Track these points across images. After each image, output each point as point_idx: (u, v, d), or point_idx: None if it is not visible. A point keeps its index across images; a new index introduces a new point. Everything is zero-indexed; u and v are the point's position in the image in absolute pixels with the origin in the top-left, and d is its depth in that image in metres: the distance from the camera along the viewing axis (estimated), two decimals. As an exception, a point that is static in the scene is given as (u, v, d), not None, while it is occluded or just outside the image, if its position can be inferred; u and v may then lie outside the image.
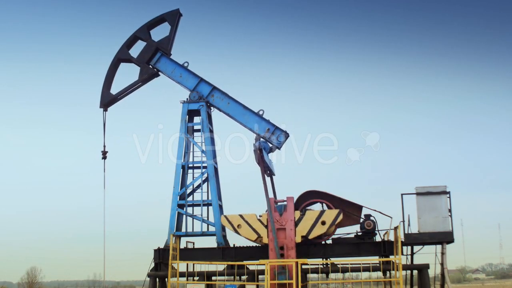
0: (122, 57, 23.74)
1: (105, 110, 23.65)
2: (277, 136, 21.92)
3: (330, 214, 20.27)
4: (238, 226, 20.57)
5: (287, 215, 20.25)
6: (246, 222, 20.55)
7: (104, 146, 23.62)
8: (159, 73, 23.64)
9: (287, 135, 21.93)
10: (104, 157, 23.55)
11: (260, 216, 20.66)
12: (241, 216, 20.63)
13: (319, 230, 20.22)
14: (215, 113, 23.67)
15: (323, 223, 20.24)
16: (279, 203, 20.63)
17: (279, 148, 21.90)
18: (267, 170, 21.33)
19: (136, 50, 23.71)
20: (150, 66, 23.53)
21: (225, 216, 20.90)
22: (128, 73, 23.74)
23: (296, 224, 20.20)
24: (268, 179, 21.47)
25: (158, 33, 23.79)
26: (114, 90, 23.69)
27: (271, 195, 21.11)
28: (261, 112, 22.36)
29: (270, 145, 21.76)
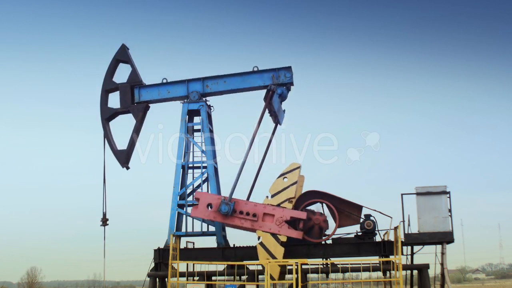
0: (108, 115, 23.31)
1: (128, 167, 23.08)
2: (283, 74, 21.99)
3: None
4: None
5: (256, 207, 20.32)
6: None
7: (104, 214, 22.92)
8: (149, 104, 23.32)
9: (290, 69, 22.00)
10: (104, 224, 22.85)
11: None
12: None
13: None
14: (215, 113, 23.73)
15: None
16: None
17: (292, 84, 21.96)
18: (273, 115, 21.54)
19: (113, 99, 23.53)
20: (137, 104, 23.21)
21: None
22: (122, 122, 23.57)
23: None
24: (272, 125, 22.01)
25: (123, 72, 23.69)
26: (122, 142, 23.33)
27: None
28: (255, 69, 22.41)
29: (285, 87, 21.77)
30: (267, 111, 21.27)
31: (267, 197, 20.65)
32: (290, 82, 22.02)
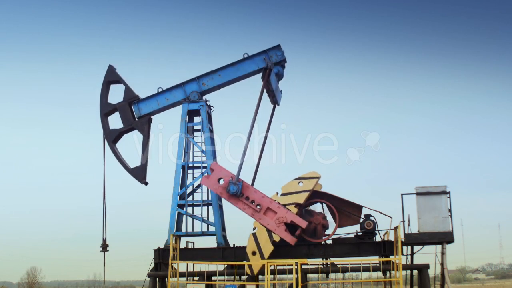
0: (113, 137, 23.14)
1: (146, 183, 22.90)
2: (274, 54, 22.24)
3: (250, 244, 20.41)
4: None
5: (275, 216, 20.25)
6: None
7: (104, 239, 22.69)
8: (151, 116, 23.21)
9: (279, 46, 22.22)
10: (104, 250, 22.63)
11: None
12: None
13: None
14: (215, 113, 23.74)
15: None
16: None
17: (285, 60, 22.23)
18: (271, 94, 21.90)
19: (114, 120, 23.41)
20: (139, 118, 23.07)
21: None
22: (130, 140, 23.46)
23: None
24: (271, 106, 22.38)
25: (116, 91, 23.59)
26: (133, 159, 23.20)
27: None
28: (246, 55, 22.48)
29: (280, 65, 22.10)
30: (265, 94, 21.42)
31: (277, 193, 20.65)
32: (283, 59, 22.26)
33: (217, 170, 20.72)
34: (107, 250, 22.62)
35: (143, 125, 22.99)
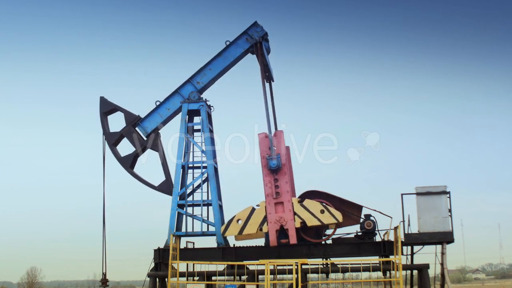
0: (129, 164, 22.96)
1: (169, 192, 22.64)
2: (254, 31, 22.51)
3: (243, 213, 20.57)
4: (238, 220, 20.60)
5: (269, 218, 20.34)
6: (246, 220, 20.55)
7: (104, 274, 22.56)
8: (158, 131, 23.13)
9: (256, 23, 22.45)
10: (105, 286, 22.52)
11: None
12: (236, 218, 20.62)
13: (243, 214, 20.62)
14: (215, 113, 23.75)
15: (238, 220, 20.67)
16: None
17: (266, 34, 22.51)
18: (268, 71, 22.14)
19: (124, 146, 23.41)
20: (147, 136, 23.02)
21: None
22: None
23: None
24: (267, 85, 22.59)
25: (116, 120, 23.63)
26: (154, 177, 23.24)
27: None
28: (227, 43, 22.67)
29: (264, 39, 22.38)
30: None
31: (299, 199, 20.64)
32: (265, 34, 22.49)
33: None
34: (108, 286, 22.63)
35: (152, 140, 22.97)
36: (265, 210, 20.34)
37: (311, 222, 20.22)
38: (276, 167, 20.19)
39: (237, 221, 20.58)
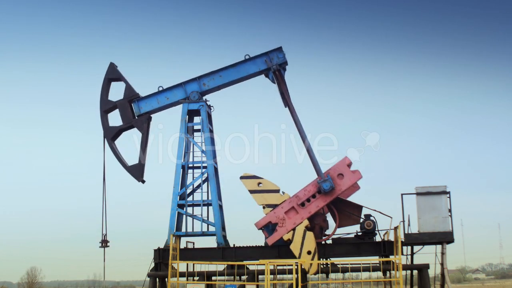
0: (111, 134, 23.12)
1: (143, 181, 22.86)
2: (276, 56, 22.24)
3: (248, 184, 20.88)
4: (308, 252, 20.33)
5: (272, 218, 20.41)
6: (302, 245, 20.31)
7: (104, 235, 22.62)
8: (151, 114, 23.19)
9: (281, 49, 22.25)
10: (105, 246, 22.57)
11: (289, 239, 20.43)
12: (300, 255, 20.29)
13: (268, 183, 20.89)
14: (215, 113, 23.73)
15: (260, 183, 20.84)
16: (267, 232, 20.70)
17: (286, 63, 22.20)
18: (285, 96, 21.75)
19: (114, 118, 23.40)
20: (138, 116, 23.07)
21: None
22: (128, 138, 23.37)
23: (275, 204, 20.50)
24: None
25: (117, 89, 23.57)
26: (131, 157, 23.15)
27: None
28: (247, 57, 22.52)
29: (282, 67, 22.08)
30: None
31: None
32: (284, 62, 22.19)
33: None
34: (108, 246, 22.59)
35: (143, 123, 22.99)
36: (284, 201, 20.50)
37: (310, 245, 20.26)
38: (329, 188, 20.26)
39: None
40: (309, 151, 20.84)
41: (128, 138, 23.30)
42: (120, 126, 23.14)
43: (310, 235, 20.24)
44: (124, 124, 23.08)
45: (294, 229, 20.33)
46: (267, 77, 22.43)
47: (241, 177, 21.16)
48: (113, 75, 23.40)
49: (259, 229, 20.65)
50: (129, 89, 23.24)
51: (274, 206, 20.53)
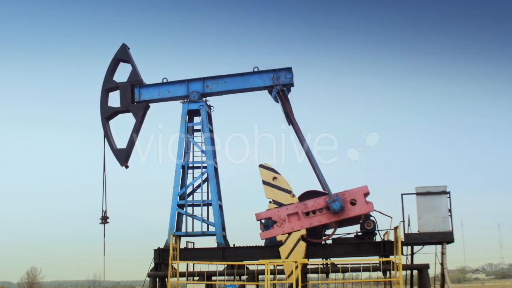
0: (108, 114, 23.31)
1: (127, 166, 23.02)
2: (284, 76, 22.11)
3: (265, 174, 20.62)
4: (274, 179, 20.54)
5: (274, 215, 20.31)
6: (290, 253, 20.08)
7: (104, 211, 22.76)
8: (149, 103, 23.30)
9: (290, 70, 22.16)
10: (105, 222, 22.69)
11: (280, 241, 20.32)
12: (285, 260, 20.05)
13: (283, 182, 20.53)
14: (215, 113, 23.73)
15: (275, 178, 20.60)
16: (264, 226, 20.62)
17: (292, 84, 22.09)
18: (288, 116, 21.60)
19: (114, 100, 23.49)
20: (137, 103, 23.18)
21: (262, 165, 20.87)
22: (123, 122, 23.49)
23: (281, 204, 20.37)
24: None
25: (123, 71, 23.66)
26: (122, 141, 23.27)
27: None
28: (256, 69, 22.47)
29: (285, 87, 21.94)
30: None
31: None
32: (290, 83, 22.09)
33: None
34: (107, 222, 22.67)
35: (139, 110, 23.11)
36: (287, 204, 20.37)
37: (299, 254, 20.07)
38: (339, 209, 20.03)
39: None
40: (318, 173, 20.58)
41: (125, 121, 23.45)
42: (117, 108, 23.31)
43: (302, 245, 20.02)
44: (121, 106, 23.25)
45: (290, 234, 20.26)
46: (270, 94, 22.29)
47: (261, 165, 20.86)
48: (122, 56, 23.54)
49: (257, 220, 20.53)
50: (134, 73, 23.38)
51: (280, 205, 20.44)
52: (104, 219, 22.64)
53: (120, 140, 23.29)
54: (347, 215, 20.13)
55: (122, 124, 23.52)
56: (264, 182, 20.67)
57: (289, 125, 21.81)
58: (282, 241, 20.20)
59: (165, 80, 23.24)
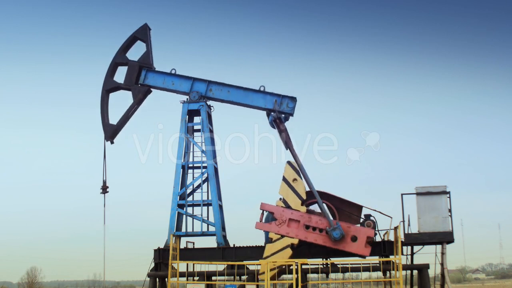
0: (109, 87, 23.48)
1: (112, 142, 23.27)
2: (286, 104, 21.95)
3: (288, 172, 20.47)
4: (294, 180, 20.45)
5: (277, 212, 20.24)
6: (273, 254, 20.02)
7: (104, 181, 23.08)
8: (151, 88, 23.40)
9: (294, 100, 21.99)
10: (104, 192, 22.97)
11: (270, 239, 20.26)
12: (265, 258, 20.03)
13: (300, 187, 20.36)
14: (215, 113, 23.73)
15: (294, 180, 20.44)
16: (264, 217, 20.63)
17: (292, 115, 21.87)
18: (289, 139, 21.28)
19: (120, 75, 23.63)
20: (140, 85, 23.28)
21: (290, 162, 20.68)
22: (121, 99, 23.60)
23: (289, 206, 20.27)
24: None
25: (135, 52, 23.76)
26: (114, 118, 23.40)
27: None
28: (262, 88, 22.40)
29: (283, 115, 21.71)
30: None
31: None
32: (290, 113, 21.86)
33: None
34: (107, 192, 22.89)
35: (140, 92, 23.23)
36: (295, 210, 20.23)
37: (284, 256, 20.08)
38: (339, 238, 19.77)
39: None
40: (318, 202, 20.28)
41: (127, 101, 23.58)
42: (120, 84, 23.44)
43: (288, 252, 19.89)
44: (124, 84, 23.39)
45: (282, 236, 20.22)
46: (267, 116, 22.05)
47: (288, 162, 20.68)
48: (141, 35, 23.66)
49: (260, 209, 20.45)
50: (147, 55, 23.51)
51: (288, 206, 20.36)
52: (104, 189, 22.90)
53: (114, 117, 23.47)
54: (343, 248, 19.86)
55: (122, 104, 23.67)
56: (284, 179, 20.57)
57: (287, 149, 21.48)
58: (273, 239, 20.19)
59: (173, 71, 23.28)
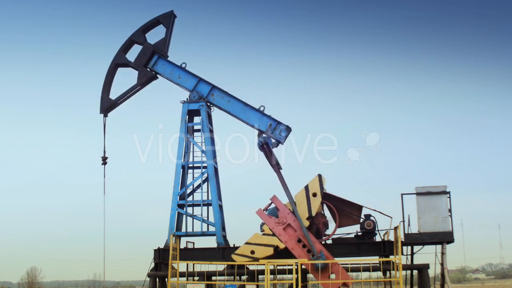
0: (119, 62, 23.65)
1: (105, 115, 23.52)
2: (279, 131, 21.82)
3: (313, 184, 20.34)
4: (252, 252, 20.28)
5: (282, 212, 20.22)
6: (256, 244, 20.26)
7: (104, 152, 23.44)
8: (158, 75, 23.53)
9: (289, 129, 21.85)
10: (104, 163, 23.34)
11: (262, 230, 20.49)
12: (248, 243, 20.28)
13: (316, 203, 20.20)
14: (215, 113, 23.72)
15: (314, 195, 20.28)
16: (268, 208, 20.60)
17: (282, 143, 21.70)
18: (277, 164, 21.14)
19: (133, 54, 23.75)
20: (148, 69, 23.44)
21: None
22: (126, 77, 23.73)
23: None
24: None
25: (154, 36, 23.83)
26: (114, 95, 23.59)
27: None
28: (262, 108, 22.34)
29: (273, 140, 21.50)
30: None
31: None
32: (279, 141, 21.62)
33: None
34: (106, 163, 23.33)
35: (144, 76, 23.43)
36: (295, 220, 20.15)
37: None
38: (321, 267, 19.53)
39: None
40: (302, 227, 19.95)
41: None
42: (130, 62, 23.59)
43: (269, 250, 20.05)
44: (133, 63, 23.51)
45: (273, 234, 20.21)
46: (257, 136, 21.66)
47: (319, 175, 20.56)
48: (165, 21, 23.73)
49: (270, 200, 20.47)
50: (163, 42, 23.63)
51: (294, 214, 20.20)
52: (104, 160, 23.27)
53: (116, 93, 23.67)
54: (316, 277, 19.76)
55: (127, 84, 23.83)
56: (306, 187, 20.44)
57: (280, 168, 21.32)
58: (264, 231, 20.26)
59: (184, 65, 23.32)
